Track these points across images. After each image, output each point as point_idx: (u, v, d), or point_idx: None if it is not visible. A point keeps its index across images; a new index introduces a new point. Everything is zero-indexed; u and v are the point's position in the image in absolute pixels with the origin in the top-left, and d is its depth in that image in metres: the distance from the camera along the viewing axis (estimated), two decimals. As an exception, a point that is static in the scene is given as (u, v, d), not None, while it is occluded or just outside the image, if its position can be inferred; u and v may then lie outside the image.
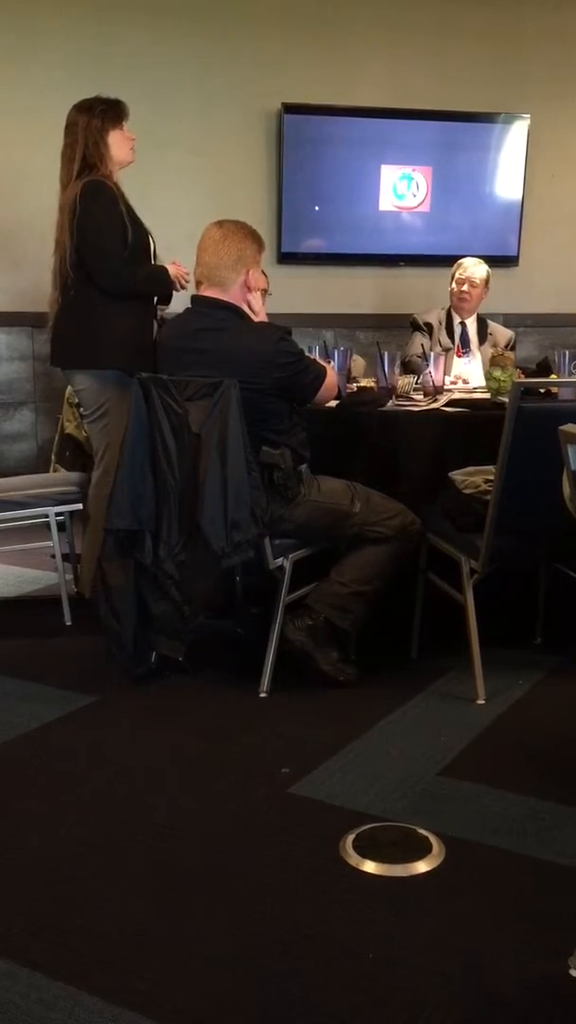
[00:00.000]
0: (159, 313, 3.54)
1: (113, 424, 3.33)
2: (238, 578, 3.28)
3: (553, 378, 3.54)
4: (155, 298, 3.51)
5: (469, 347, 4.50)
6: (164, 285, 3.42)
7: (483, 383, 3.75)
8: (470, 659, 2.89)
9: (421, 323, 4.55)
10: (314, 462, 3.03)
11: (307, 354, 3.08)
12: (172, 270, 3.43)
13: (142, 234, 3.39)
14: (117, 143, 3.36)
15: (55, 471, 4.46)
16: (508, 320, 5.12)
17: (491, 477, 2.79)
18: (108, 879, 2.01)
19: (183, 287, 3.41)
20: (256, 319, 2.99)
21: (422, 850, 2.10)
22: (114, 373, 3.32)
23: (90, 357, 3.37)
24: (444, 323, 4.53)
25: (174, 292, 3.50)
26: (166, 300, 3.58)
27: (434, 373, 3.52)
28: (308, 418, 3.05)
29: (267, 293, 3.11)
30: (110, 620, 2.96)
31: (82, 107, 3.35)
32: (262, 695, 2.92)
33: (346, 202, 5.73)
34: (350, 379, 3.56)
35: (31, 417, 5.53)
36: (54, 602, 3.62)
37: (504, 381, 3.41)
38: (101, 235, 3.27)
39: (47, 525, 3.60)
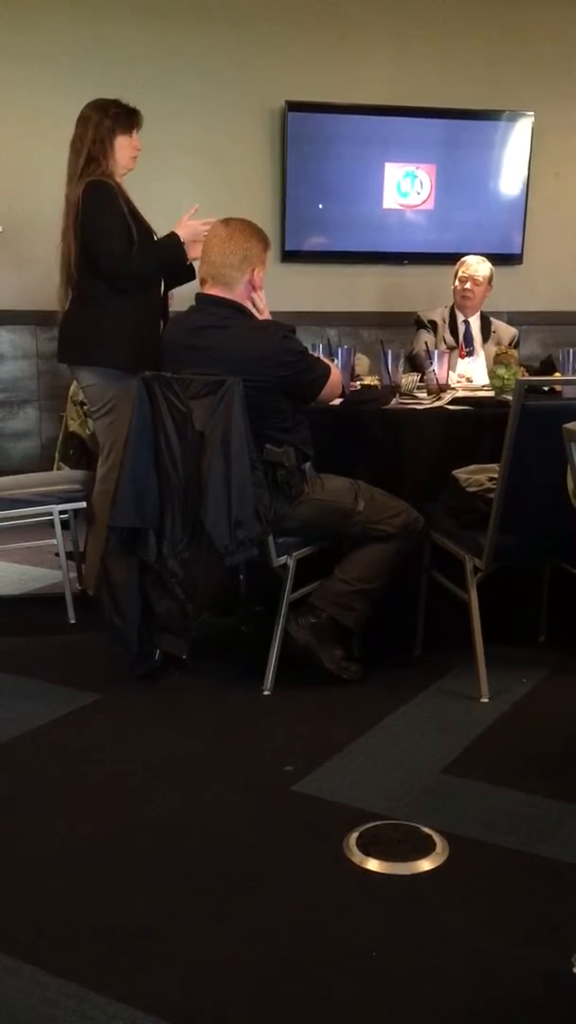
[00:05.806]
0: (169, 301, 3.53)
1: (119, 420, 3.33)
2: (242, 576, 3.29)
3: (557, 376, 3.54)
4: (165, 291, 3.49)
5: (473, 345, 4.49)
6: (171, 253, 3.36)
7: (487, 381, 3.75)
8: (473, 657, 2.89)
9: (425, 321, 4.54)
10: (318, 460, 3.03)
11: (311, 352, 3.08)
12: (184, 232, 3.34)
13: (145, 231, 3.39)
14: (122, 147, 3.37)
15: (59, 469, 4.47)
16: (512, 318, 5.10)
17: (495, 475, 2.79)
18: (111, 876, 2.02)
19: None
20: (260, 317, 2.99)
21: (425, 848, 2.10)
22: (119, 370, 3.33)
23: (95, 354, 3.38)
24: (448, 321, 4.52)
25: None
26: (188, 273, 3.49)
27: (438, 371, 3.51)
28: (312, 416, 3.05)
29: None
30: (114, 618, 2.96)
31: (97, 105, 3.37)
32: (265, 693, 2.92)
33: (350, 200, 5.71)
34: (354, 377, 3.56)
35: (35, 415, 5.53)
36: (58, 600, 3.62)
37: (508, 379, 3.41)
38: (103, 235, 3.29)
39: (51, 523, 3.60)
